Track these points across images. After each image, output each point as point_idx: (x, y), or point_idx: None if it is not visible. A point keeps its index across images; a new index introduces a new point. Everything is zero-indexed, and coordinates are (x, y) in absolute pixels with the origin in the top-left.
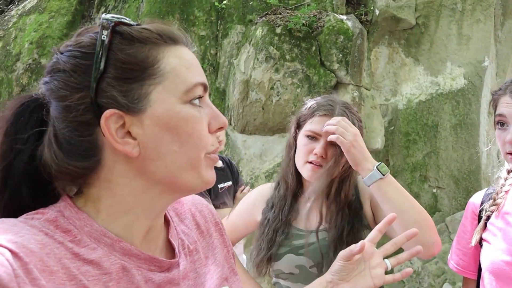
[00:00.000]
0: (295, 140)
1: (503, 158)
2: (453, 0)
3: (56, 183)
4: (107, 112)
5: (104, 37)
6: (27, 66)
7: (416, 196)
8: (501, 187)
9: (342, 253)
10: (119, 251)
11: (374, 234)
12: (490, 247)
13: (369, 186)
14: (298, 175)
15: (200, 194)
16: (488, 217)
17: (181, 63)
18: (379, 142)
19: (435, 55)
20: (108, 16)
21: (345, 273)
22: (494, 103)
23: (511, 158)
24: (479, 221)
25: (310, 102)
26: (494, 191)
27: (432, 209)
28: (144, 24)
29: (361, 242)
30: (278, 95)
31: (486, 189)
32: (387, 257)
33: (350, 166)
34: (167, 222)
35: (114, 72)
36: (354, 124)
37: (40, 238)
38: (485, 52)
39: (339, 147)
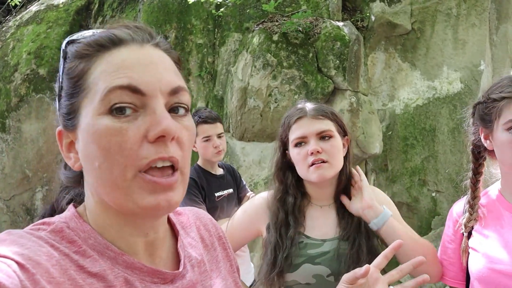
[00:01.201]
0: (287, 159)
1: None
2: (448, 5)
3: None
4: (57, 130)
5: (61, 58)
6: (25, 76)
7: (416, 201)
8: (472, 199)
9: (346, 277)
10: (122, 264)
11: (380, 259)
12: (477, 255)
13: (379, 228)
14: (299, 186)
15: (194, 201)
16: (470, 230)
17: (106, 68)
18: (377, 147)
19: (432, 60)
20: (69, 37)
21: None
22: (498, 108)
23: None
24: (463, 236)
25: (283, 119)
26: (467, 202)
27: (432, 213)
28: (97, 31)
29: (365, 266)
30: (276, 102)
31: (466, 196)
32: (393, 284)
33: (348, 159)
34: (174, 233)
35: (62, 91)
36: (333, 114)
37: (46, 250)
38: (481, 56)
39: (330, 138)
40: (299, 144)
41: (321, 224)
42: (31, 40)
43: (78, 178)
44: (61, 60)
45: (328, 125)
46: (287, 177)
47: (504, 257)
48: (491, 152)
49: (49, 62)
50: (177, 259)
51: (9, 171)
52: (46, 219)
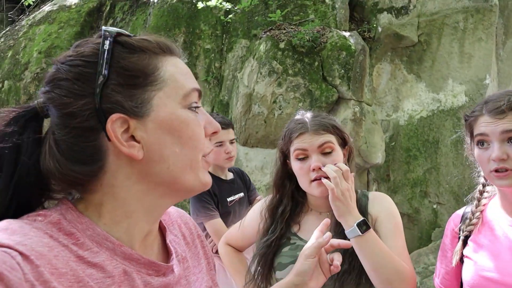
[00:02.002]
0: (288, 169)
1: (476, 179)
2: (455, 19)
3: (57, 188)
4: (113, 116)
5: (106, 46)
6: (35, 75)
7: (417, 212)
8: (476, 207)
9: (307, 252)
10: (120, 255)
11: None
12: (471, 264)
13: (349, 239)
14: (298, 193)
15: (207, 209)
16: (466, 237)
17: (178, 70)
18: (379, 157)
19: (437, 72)
20: (109, 28)
21: (311, 271)
22: (470, 125)
23: (497, 176)
24: (459, 240)
25: (284, 131)
26: (470, 211)
27: (432, 225)
28: (142, 35)
29: (327, 233)
30: (280, 109)
31: (465, 207)
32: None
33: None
34: (161, 229)
35: (118, 79)
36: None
37: (46, 241)
38: (487, 70)
39: (331, 152)
40: (301, 157)
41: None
42: (43, 39)
43: (96, 172)
44: (110, 46)
45: (329, 140)
46: (285, 185)
47: (494, 265)
48: None
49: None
50: (165, 254)
51: None
52: (41, 211)
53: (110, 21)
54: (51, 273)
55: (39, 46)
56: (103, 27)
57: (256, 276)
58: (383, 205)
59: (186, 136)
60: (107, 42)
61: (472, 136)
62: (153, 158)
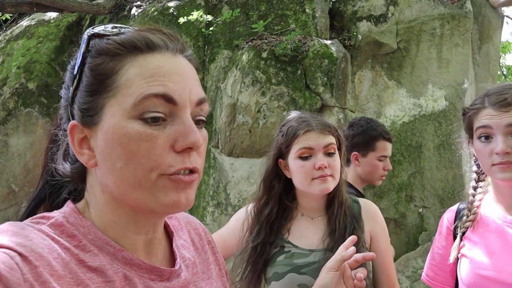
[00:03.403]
0: (278, 168)
1: (469, 174)
2: (432, 25)
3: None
4: (71, 123)
5: (82, 49)
6: (14, 90)
7: (403, 216)
8: (471, 204)
9: (329, 264)
10: (121, 260)
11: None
12: (468, 262)
13: None
14: (287, 196)
15: None
16: (462, 234)
17: (141, 72)
18: None
19: (417, 78)
20: (92, 28)
21: (333, 285)
22: (470, 118)
23: (500, 168)
24: (454, 237)
25: (285, 129)
26: (465, 207)
27: (419, 229)
28: (130, 30)
29: (351, 248)
30: (264, 118)
31: (458, 204)
32: None
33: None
34: (168, 233)
35: (82, 85)
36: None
37: (47, 243)
38: (465, 75)
39: (334, 153)
40: (304, 157)
41: (310, 234)
42: (21, 54)
43: (83, 173)
44: (82, 52)
45: (333, 141)
46: (273, 186)
47: (489, 262)
48: None
49: (39, 77)
50: (171, 259)
51: None
52: (45, 214)
53: None
54: (50, 274)
55: (18, 61)
56: (90, 29)
57: (243, 281)
58: (377, 220)
59: (128, 151)
60: (83, 45)
61: (470, 129)
62: (103, 169)
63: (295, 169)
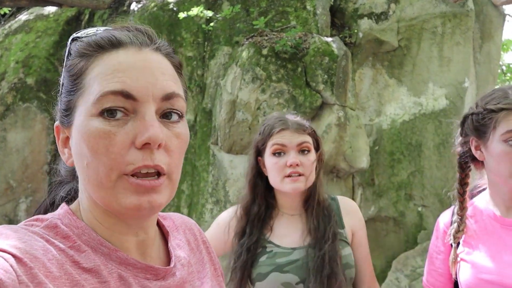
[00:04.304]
0: (259, 166)
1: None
2: (433, 24)
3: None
4: (55, 125)
5: (66, 52)
6: (12, 85)
7: (402, 215)
8: (461, 210)
9: None
10: (115, 261)
11: None
12: (467, 266)
13: None
14: (269, 195)
15: None
16: (459, 243)
17: (103, 70)
18: (364, 162)
19: (418, 76)
20: (74, 34)
21: None
22: (496, 119)
23: None
24: (451, 244)
25: (262, 127)
26: (457, 215)
27: (418, 228)
28: (101, 29)
29: None
30: (264, 115)
31: (453, 206)
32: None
33: (318, 171)
34: (163, 233)
35: (62, 87)
36: (310, 129)
37: (42, 244)
38: (465, 74)
39: (308, 152)
40: (277, 153)
41: (290, 233)
42: (20, 49)
43: (74, 173)
44: (66, 56)
45: (308, 140)
46: (257, 184)
47: (491, 266)
48: (478, 163)
49: (37, 72)
50: (166, 259)
51: None
52: (39, 216)
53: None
54: (45, 276)
55: (16, 56)
56: (73, 34)
57: (242, 282)
58: (357, 215)
59: (91, 149)
60: (66, 50)
61: (484, 130)
62: (77, 168)
63: (269, 166)
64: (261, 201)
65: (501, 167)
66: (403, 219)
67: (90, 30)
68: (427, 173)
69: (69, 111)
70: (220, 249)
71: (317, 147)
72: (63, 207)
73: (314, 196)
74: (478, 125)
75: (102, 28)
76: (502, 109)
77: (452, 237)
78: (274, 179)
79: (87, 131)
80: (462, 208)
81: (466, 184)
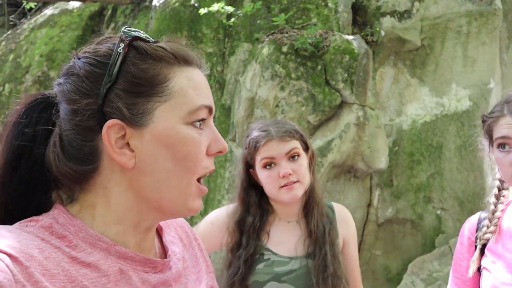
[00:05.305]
0: (251, 178)
1: (491, 182)
2: (458, 23)
3: (55, 186)
4: (110, 122)
5: (120, 50)
6: (36, 78)
7: (420, 218)
8: (493, 214)
9: None
10: (114, 255)
11: None
12: (490, 276)
13: None
14: (264, 201)
15: None
16: (484, 245)
17: (190, 84)
18: (383, 162)
19: (440, 77)
20: (128, 29)
21: None
22: (489, 126)
23: None
24: (476, 248)
25: (247, 141)
26: (486, 217)
27: (436, 231)
28: (162, 42)
29: None
30: (283, 113)
31: (479, 213)
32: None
33: (313, 170)
34: (158, 230)
35: (124, 84)
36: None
37: (37, 243)
38: (491, 75)
39: (298, 157)
40: (268, 165)
41: (288, 240)
42: (44, 43)
43: (88, 173)
44: (123, 50)
45: (295, 146)
46: (250, 195)
47: (510, 276)
48: None
49: (60, 65)
50: (162, 254)
51: None
52: (34, 217)
53: (112, 25)
54: (42, 274)
55: (41, 50)
56: (123, 28)
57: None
58: (350, 225)
59: (181, 154)
60: (121, 45)
61: (491, 138)
62: (144, 170)
63: (263, 179)
64: (256, 211)
65: (501, 172)
66: (421, 221)
67: (143, 34)
68: (447, 176)
69: (141, 112)
70: (216, 244)
71: (306, 147)
72: (56, 207)
73: (314, 197)
74: (485, 132)
75: (157, 41)
76: (492, 116)
77: (478, 238)
78: (270, 191)
79: (181, 138)
80: (495, 211)
81: (505, 189)
